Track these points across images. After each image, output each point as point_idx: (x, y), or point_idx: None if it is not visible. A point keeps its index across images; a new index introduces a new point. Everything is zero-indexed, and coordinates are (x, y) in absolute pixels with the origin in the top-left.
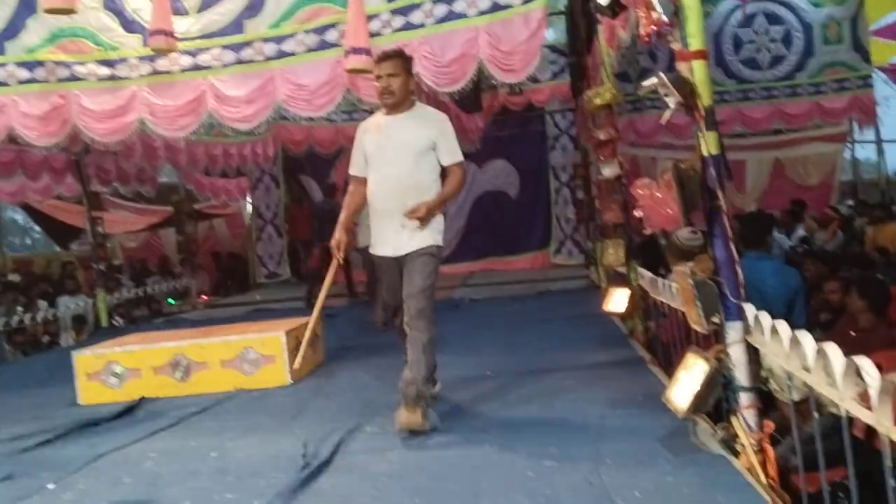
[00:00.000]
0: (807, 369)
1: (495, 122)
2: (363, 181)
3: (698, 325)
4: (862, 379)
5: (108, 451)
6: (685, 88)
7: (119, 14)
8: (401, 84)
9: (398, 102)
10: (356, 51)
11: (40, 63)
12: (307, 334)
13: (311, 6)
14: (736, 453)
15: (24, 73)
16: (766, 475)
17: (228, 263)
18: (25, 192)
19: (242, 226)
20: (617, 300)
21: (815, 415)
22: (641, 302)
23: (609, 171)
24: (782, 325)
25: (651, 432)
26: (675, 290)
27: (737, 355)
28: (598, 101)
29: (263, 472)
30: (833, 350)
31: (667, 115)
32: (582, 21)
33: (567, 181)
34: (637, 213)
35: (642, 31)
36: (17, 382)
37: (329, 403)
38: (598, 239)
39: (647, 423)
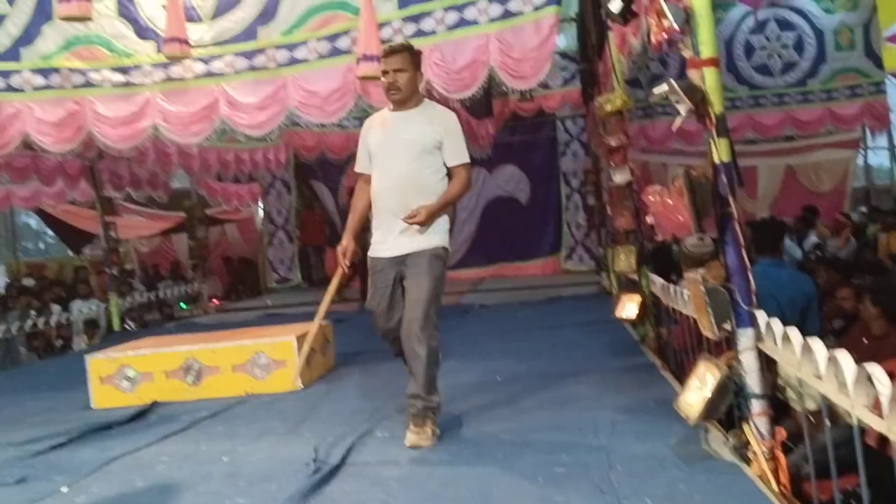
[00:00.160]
0: (818, 377)
1: (506, 127)
2: (369, 179)
3: (709, 331)
4: (874, 387)
5: (121, 455)
6: (696, 96)
7: (133, 21)
8: (408, 80)
9: (405, 99)
10: (368, 58)
11: (55, 70)
12: (306, 346)
13: (324, 14)
14: (748, 461)
15: (39, 80)
16: (778, 483)
17: (240, 268)
18: (40, 197)
19: (254, 231)
20: (628, 306)
21: (827, 422)
22: (653, 308)
23: (620, 177)
24: (794, 333)
25: (662, 439)
26: (687, 297)
27: (748, 362)
28: (608, 108)
29: (274, 476)
30: (844, 358)
31: (678, 121)
32: (593, 28)
33: (578, 187)
34: (648, 220)
35: (654, 39)
36: (31, 386)
37: (339, 408)
38: (609, 245)
39: (658, 430)
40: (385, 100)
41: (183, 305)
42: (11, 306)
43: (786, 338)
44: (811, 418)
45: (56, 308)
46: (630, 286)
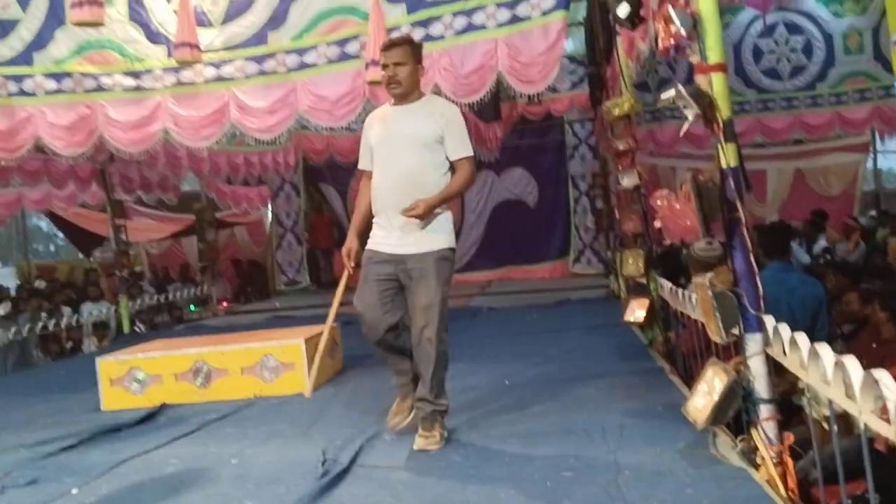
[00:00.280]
0: (826, 382)
1: (514, 131)
2: (372, 176)
3: (718, 336)
4: (882, 392)
5: (131, 457)
6: (704, 101)
7: (145, 26)
8: (408, 73)
9: (405, 93)
10: (376, 63)
11: (68, 74)
12: (317, 358)
13: (333, 19)
14: (756, 466)
15: (51, 84)
16: (786, 488)
17: (249, 271)
18: (51, 199)
19: (263, 234)
20: (636, 310)
21: (834, 427)
22: (661, 312)
23: (628, 181)
24: (801, 338)
25: (670, 443)
26: (695, 301)
27: (756, 367)
28: (616, 112)
29: (283, 479)
30: (851, 363)
31: (685, 127)
32: (601, 32)
33: (586, 190)
34: (656, 224)
35: (661, 45)
36: (42, 387)
37: (348, 411)
38: (617, 248)
39: (666, 434)
40: None
41: (192, 308)
42: (23, 308)
43: (793, 343)
44: (824, 424)
45: (67, 310)
46: (638, 290)
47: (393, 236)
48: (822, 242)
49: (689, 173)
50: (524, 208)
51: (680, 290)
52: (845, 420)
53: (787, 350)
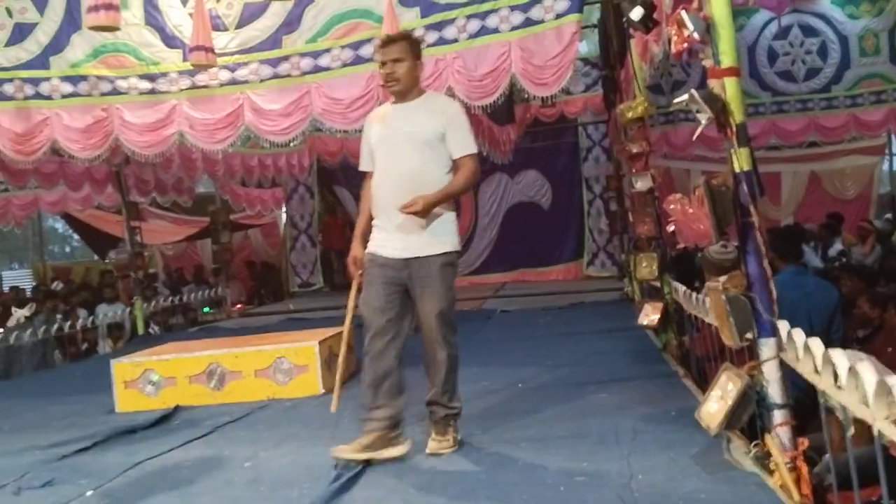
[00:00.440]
0: (840, 388)
1: (528, 133)
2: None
3: (731, 341)
4: None
5: (145, 459)
6: (717, 105)
7: (160, 30)
8: (407, 70)
9: (404, 90)
10: None
11: (84, 77)
12: (339, 375)
13: (347, 22)
14: (770, 471)
15: (67, 88)
16: (800, 493)
17: (263, 273)
18: (67, 201)
19: (277, 236)
20: (650, 314)
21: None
22: (675, 316)
23: (642, 183)
24: (815, 343)
25: (684, 448)
26: (709, 305)
27: (770, 372)
28: (630, 115)
29: (296, 482)
30: (865, 368)
31: (698, 131)
32: (615, 35)
33: (600, 193)
34: (670, 228)
35: (674, 49)
36: (57, 390)
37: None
38: (631, 252)
39: (680, 439)
40: None
41: (206, 310)
42: (39, 310)
43: (807, 348)
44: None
45: (82, 312)
46: (652, 293)
47: (393, 239)
48: (837, 246)
49: (703, 177)
50: (538, 211)
51: (694, 294)
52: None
53: (800, 355)
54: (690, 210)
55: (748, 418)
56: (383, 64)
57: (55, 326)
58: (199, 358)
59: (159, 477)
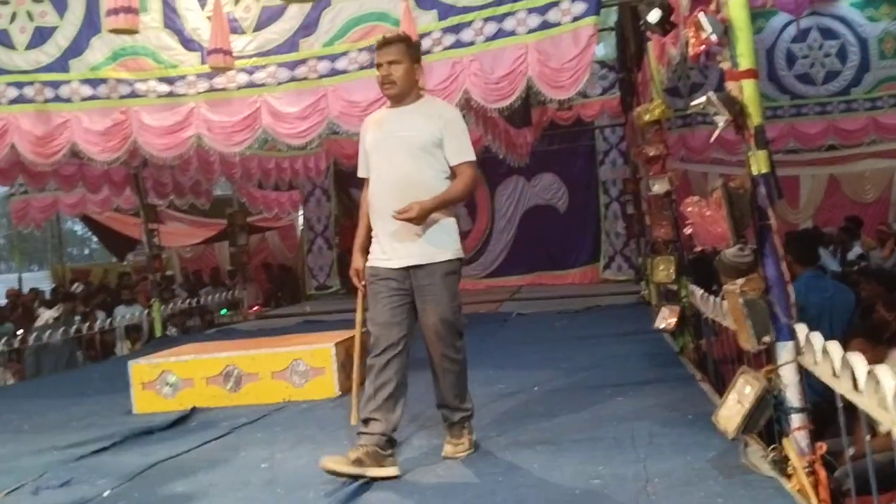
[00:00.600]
0: (859, 392)
1: (544, 136)
2: None
3: (748, 344)
4: None
5: (162, 460)
6: (734, 108)
7: (179, 33)
8: (404, 72)
9: (401, 93)
10: None
11: (103, 80)
12: (354, 389)
13: (364, 25)
14: (787, 475)
15: (87, 90)
16: (819, 498)
17: (280, 275)
18: (86, 204)
19: (294, 238)
20: (667, 317)
21: (867, 437)
22: (692, 319)
23: (659, 186)
24: (834, 346)
25: (701, 452)
26: (726, 309)
27: (788, 376)
28: (647, 117)
29: (312, 484)
30: (884, 372)
31: (716, 133)
32: (632, 38)
33: (617, 196)
34: (687, 231)
35: (692, 51)
36: (76, 390)
37: None
38: (648, 255)
39: (696, 443)
40: None
41: (223, 312)
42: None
43: (825, 351)
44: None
45: (101, 314)
46: (669, 297)
47: (390, 248)
48: (856, 249)
49: (721, 180)
50: (554, 214)
51: (711, 297)
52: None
53: (818, 359)
54: (708, 212)
55: (765, 422)
56: (379, 66)
57: (73, 328)
58: (216, 359)
59: (176, 478)
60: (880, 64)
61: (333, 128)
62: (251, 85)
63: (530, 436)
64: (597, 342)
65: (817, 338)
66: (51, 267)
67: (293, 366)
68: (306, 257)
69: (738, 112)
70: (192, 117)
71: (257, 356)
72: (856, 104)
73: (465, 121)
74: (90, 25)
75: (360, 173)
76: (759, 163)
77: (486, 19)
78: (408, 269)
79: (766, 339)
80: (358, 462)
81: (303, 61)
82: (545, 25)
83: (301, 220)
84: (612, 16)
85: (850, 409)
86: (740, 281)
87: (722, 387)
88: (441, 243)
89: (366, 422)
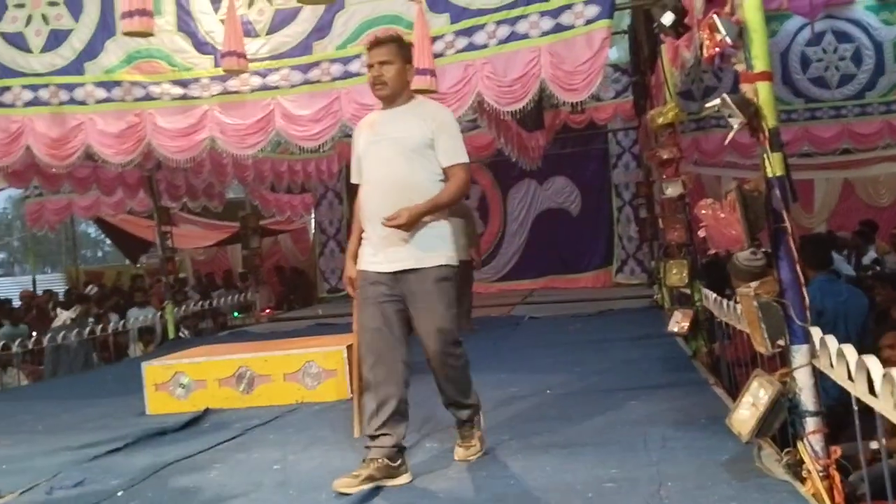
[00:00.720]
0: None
1: (557, 139)
2: None
3: (763, 347)
4: None
5: (175, 461)
6: (749, 110)
7: (192, 36)
8: (395, 73)
9: (392, 94)
10: (420, 72)
11: (117, 83)
12: (355, 402)
13: (377, 28)
14: (802, 479)
15: (101, 93)
16: (833, 502)
17: (292, 278)
18: (100, 206)
19: (306, 241)
20: (680, 321)
21: (883, 441)
22: (706, 323)
23: (672, 190)
24: (849, 350)
25: (714, 455)
26: (740, 312)
27: (803, 379)
28: (661, 121)
29: (325, 486)
30: None
31: (730, 136)
32: (645, 41)
33: (630, 199)
34: (701, 234)
35: (706, 54)
36: (90, 392)
37: None
38: (661, 258)
39: (710, 446)
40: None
41: (236, 314)
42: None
43: (840, 354)
44: None
45: (113, 316)
46: (682, 300)
47: (381, 252)
48: (871, 254)
49: (735, 182)
50: (567, 217)
51: (724, 301)
52: None
53: (834, 362)
54: (722, 215)
55: (779, 426)
56: (370, 66)
57: (87, 329)
58: (229, 361)
59: (189, 478)
60: (895, 67)
61: (346, 130)
62: (264, 88)
63: (543, 439)
64: (609, 346)
65: (832, 341)
66: (65, 269)
67: (305, 368)
68: (318, 260)
69: (752, 114)
70: (206, 120)
71: (270, 358)
72: (870, 108)
73: (478, 124)
74: (105, 28)
75: (353, 179)
76: (773, 165)
77: (499, 22)
78: (398, 273)
79: (781, 342)
80: (369, 479)
81: (316, 64)
82: (558, 28)
83: (313, 222)
84: (625, 19)
85: (866, 412)
86: (754, 284)
87: (735, 391)
88: (433, 247)
89: (374, 437)
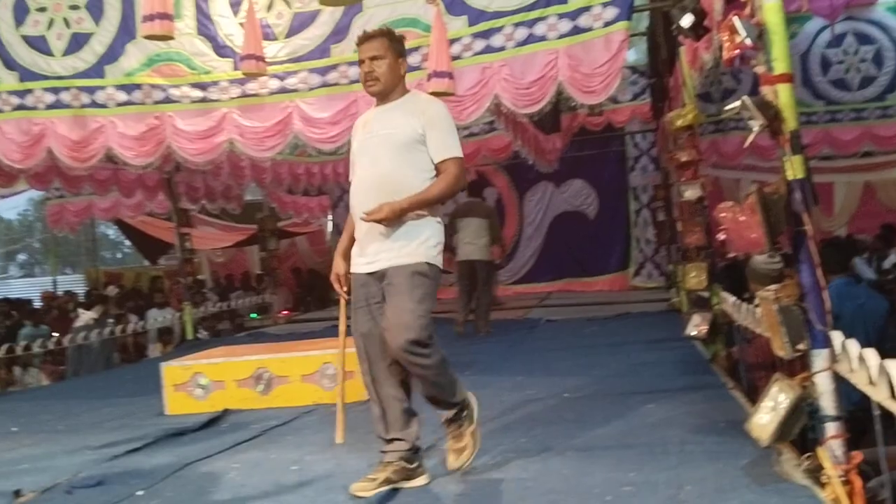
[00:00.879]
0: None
1: (574, 142)
2: None
3: (783, 351)
4: None
5: (194, 461)
6: (770, 112)
7: (212, 39)
8: (387, 68)
9: (385, 90)
10: (438, 74)
11: (138, 86)
12: (339, 406)
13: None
14: (821, 484)
15: (122, 96)
16: None
17: (309, 280)
18: (119, 208)
19: (323, 243)
20: (699, 324)
21: None
22: (724, 327)
23: (691, 192)
24: (870, 354)
25: (733, 459)
26: (760, 316)
27: (823, 384)
28: (680, 123)
29: (342, 487)
30: None
31: (750, 138)
32: (664, 43)
33: (647, 202)
34: (720, 237)
35: (726, 55)
36: (110, 392)
37: None
38: (679, 262)
39: (728, 450)
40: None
41: (253, 316)
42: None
43: (861, 359)
44: None
45: (133, 317)
46: (701, 304)
47: (365, 252)
48: (892, 257)
49: (755, 185)
50: (584, 220)
51: (744, 304)
52: None
53: (854, 366)
54: (742, 218)
55: (799, 430)
56: (361, 62)
57: (107, 330)
58: (247, 362)
59: (208, 478)
60: None
61: None
62: (283, 90)
63: (560, 442)
64: (627, 349)
65: (853, 345)
66: (85, 270)
67: (323, 369)
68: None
69: (773, 116)
70: (225, 122)
71: (287, 359)
72: (891, 110)
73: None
74: (126, 32)
75: (350, 178)
76: (794, 168)
77: (517, 25)
78: (374, 273)
79: (801, 346)
80: (387, 482)
81: (334, 66)
82: (576, 30)
83: (330, 225)
84: (643, 21)
85: (887, 417)
86: (773, 286)
87: (754, 395)
88: (413, 246)
89: (388, 441)
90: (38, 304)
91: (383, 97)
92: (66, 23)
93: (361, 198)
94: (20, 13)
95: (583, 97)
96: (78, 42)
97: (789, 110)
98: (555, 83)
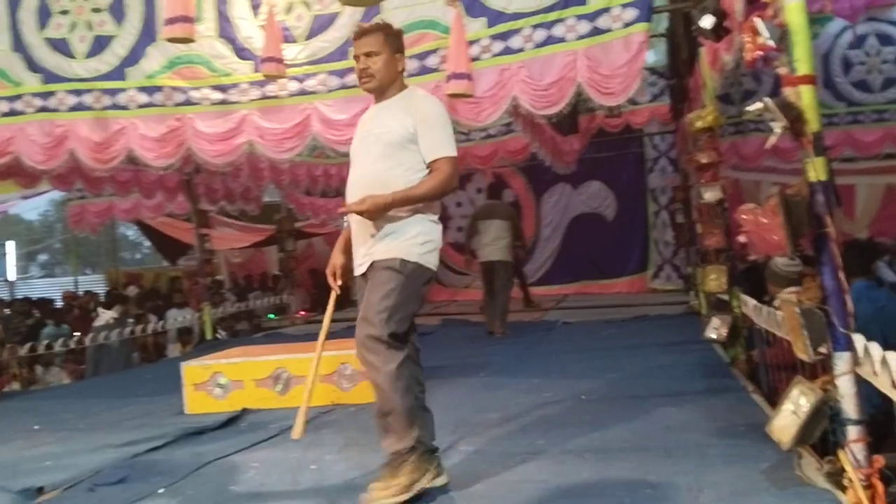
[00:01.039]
0: None
1: (592, 143)
2: None
3: (804, 354)
4: None
5: (214, 459)
6: (792, 113)
7: (232, 42)
8: (383, 64)
9: (381, 87)
10: (457, 76)
11: (158, 88)
12: (305, 401)
13: (414, 33)
14: (843, 488)
15: (143, 98)
16: None
17: (326, 281)
18: (140, 209)
19: None
20: (719, 327)
21: None
22: (744, 330)
23: (711, 194)
24: (893, 357)
25: (753, 463)
26: (781, 319)
27: (845, 387)
28: (699, 124)
29: (361, 486)
30: None
31: (772, 139)
32: (684, 44)
33: (666, 204)
34: (741, 239)
35: (748, 57)
36: (130, 391)
37: None
38: (698, 264)
39: (748, 454)
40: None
41: (271, 316)
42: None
43: (884, 362)
44: None
45: (153, 317)
46: (720, 306)
47: (358, 253)
48: None
49: (777, 187)
50: (601, 222)
51: (764, 307)
52: None
53: (877, 369)
54: (764, 220)
55: (820, 434)
56: (357, 58)
57: (127, 329)
58: (266, 362)
59: (228, 477)
60: None
61: None
62: (302, 92)
63: (578, 444)
64: (645, 352)
65: (876, 348)
66: (105, 271)
67: (340, 369)
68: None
69: (795, 118)
70: (245, 124)
71: (305, 359)
72: None
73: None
74: (147, 34)
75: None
76: (816, 170)
77: (536, 26)
78: (364, 275)
79: (823, 349)
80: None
81: (351, 69)
82: (595, 32)
83: (346, 226)
84: (662, 22)
85: None
86: (793, 288)
87: (774, 398)
88: (397, 243)
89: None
90: (59, 303)
91: (380, 94)
92: (89, 25)
93: (349, 198)
94: (43, 16)
95: (602, 99)
96: (100, 44)
97: (812, 112)
98: (574, 85)
